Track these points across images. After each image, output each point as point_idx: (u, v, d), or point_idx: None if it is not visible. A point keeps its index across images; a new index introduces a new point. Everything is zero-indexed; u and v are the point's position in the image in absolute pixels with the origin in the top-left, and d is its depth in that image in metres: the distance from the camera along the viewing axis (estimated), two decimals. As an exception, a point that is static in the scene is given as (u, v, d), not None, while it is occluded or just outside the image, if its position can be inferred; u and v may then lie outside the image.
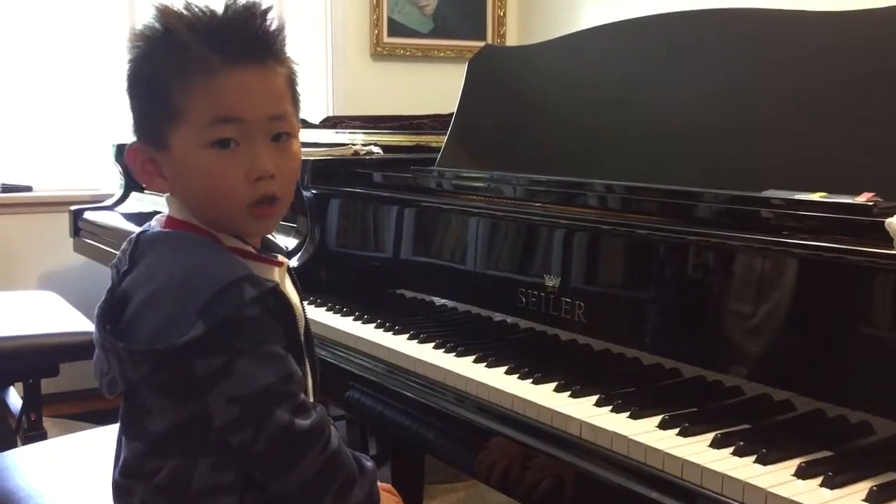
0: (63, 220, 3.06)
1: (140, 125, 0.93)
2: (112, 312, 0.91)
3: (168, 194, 0.97)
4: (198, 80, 0.88)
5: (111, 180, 3.15)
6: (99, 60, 3.25)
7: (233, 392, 0.86)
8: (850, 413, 1.00)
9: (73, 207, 3.04)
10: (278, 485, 0.90)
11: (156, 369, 0.86)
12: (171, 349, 0.84)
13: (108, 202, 3.07)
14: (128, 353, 0.86)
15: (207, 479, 0.89)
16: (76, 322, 2.28)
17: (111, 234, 2.78)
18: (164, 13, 0.90)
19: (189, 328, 0.84)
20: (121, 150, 3.05)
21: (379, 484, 1.03)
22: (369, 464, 0.99)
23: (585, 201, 1.37)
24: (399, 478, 1.93)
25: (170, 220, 0.95)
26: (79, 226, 3.01)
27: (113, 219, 2.91)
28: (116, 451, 0.98)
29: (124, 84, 0.93)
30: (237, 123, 0.90)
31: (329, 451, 0.92)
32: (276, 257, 1.00)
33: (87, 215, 2.99)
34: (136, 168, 0.95)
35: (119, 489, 0.95)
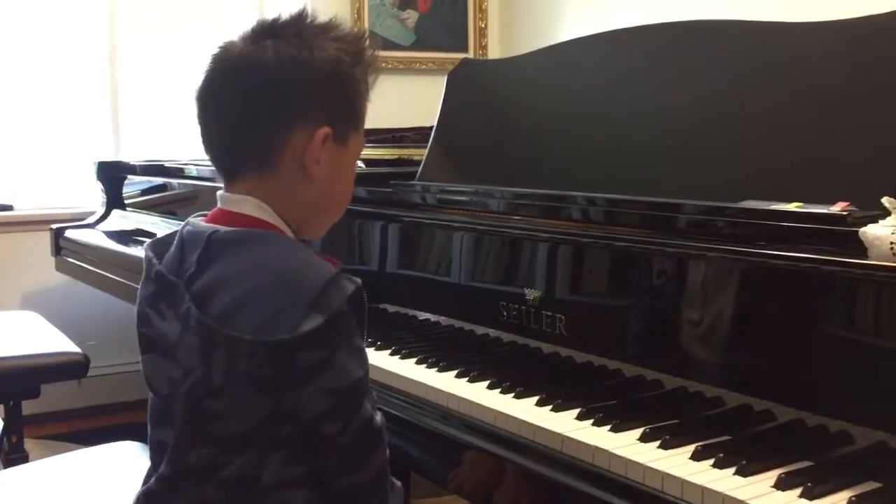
0: (44, 239, 3.03)
1: (335, 117, 0.98)
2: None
3: (225, 192, 0.98)
4: (366, 102, 1.02)
5: (93, 198, 3.13)
6: (79, 79, 3.24)
7: (330, 384, 0.88)
8: (830, 422, 1.00)
9: (54, 226, 3.02)
10: (346, 481, 0.92)
11: (267, 361, 0.87)
12: (291, 339, 0.85)
13: (90, 220, 3.04)
14: (248, 345, 0.86)
15: (279, 474, 0.90)
16: (58, 342, 2.26)
17: (93, 253, 2.76)
18: (370, 37, 1.04)
19: (300, 320, 0.86)
20: (102, 168, 3.04)
21: None
22: (398, 483, 1.01)
23: (564, 214, 1.37)
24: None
25: (244, 219, 0.95)
26: (60, 244, 2.98)
27: (95, 237, 2.88)
28: (163, 459, 0.95)
29: (321, 69, 0.96)
30: None
31: (386, 455, 0.95)
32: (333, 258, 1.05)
33: (69, 234, 2.96)
34: (316, 150, 0.96)
35: (152, 496, 0.94)
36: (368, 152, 2.30)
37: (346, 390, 0.89)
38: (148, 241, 1.02)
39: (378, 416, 0.94)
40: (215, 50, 0.98)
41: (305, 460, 0.91)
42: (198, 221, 0.98)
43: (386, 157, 2.27)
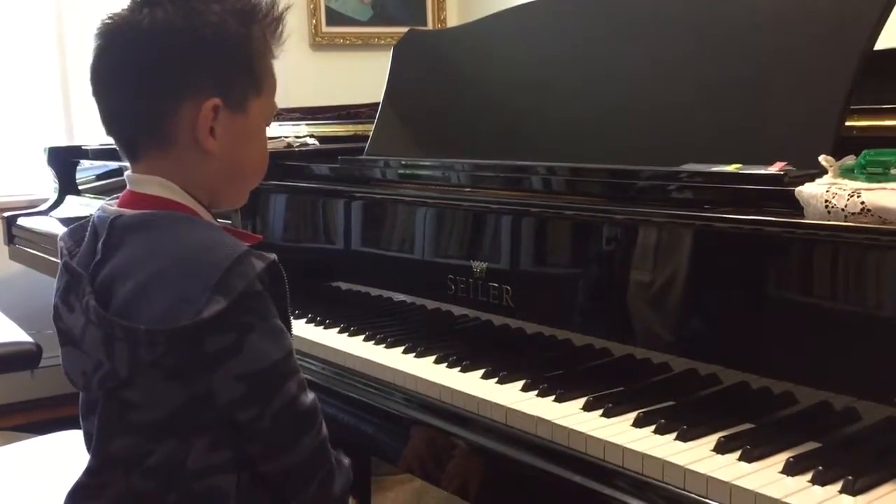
0: (-4, 228, 2.98)
1: (226, 84, 0.92)
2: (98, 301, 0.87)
3: (131, 173, 0.93)
4: (270, 61, 0.97)
5: (46, 185, 3.06)
6: (28, 64, 3.16)
7: (241, 369, 0.85)
8: (775, 384, 1.00)
9: (6, 214, 2.96)
10: (273, 464, 0.90)
11: (170, 349, 0.83)
12: (193, 326, 0.82)
13: (43, 207, 2.98)
14: (146, 335, 0.83)
15: (204, 459, 0.87)
16: (8, 332, 2.21)
17: (47, 241, 2.70)
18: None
19: (203, 304, 0.82)
20: (52, 153, 2.97)
21: None
22: (346, 461, 0.98)
23: (507, 184, 1.35)
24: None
25: (151, 199, 0.91)
26: (13, 233, 2.92)
27: (49, 224, 2.82)
28: (92, 452, 0.92)
29: (202, 35, 0.90)
30: None
31: (322, 435, 0.92)
32: (250, 233, 1.01)
33: (22, 221, 2.90)
34: (204, 123, 0.90)
35: (82, 490, 0.91)
36: (325, 129, 2.26)
37: (260, 373, 0.86)
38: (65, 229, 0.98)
39: (307, 397, 0.90)
40: (99, 21, 0.93)
41: (231, 445, 0.88)
42: (107, 206, 0.94)
43: (340, 134, 2.24)
